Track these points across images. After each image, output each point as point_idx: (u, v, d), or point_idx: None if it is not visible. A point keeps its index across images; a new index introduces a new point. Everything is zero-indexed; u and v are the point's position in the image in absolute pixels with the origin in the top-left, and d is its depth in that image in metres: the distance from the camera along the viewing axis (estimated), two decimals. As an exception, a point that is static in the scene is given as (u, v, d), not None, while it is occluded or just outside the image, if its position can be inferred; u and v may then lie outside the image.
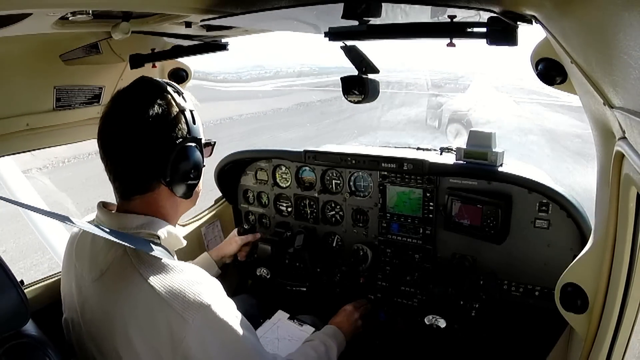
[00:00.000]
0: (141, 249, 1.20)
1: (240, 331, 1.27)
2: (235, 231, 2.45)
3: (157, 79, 1.37)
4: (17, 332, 1.17)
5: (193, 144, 1.32)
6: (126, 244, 1.17)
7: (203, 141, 1.39)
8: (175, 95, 1.32)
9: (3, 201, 1.25)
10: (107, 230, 1.19)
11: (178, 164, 1.28)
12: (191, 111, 1.34)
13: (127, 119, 1.27)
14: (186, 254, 2.17)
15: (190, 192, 1.36)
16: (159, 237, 1.31)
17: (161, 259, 1.23)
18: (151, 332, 1.17)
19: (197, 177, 1.35)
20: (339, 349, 1.76)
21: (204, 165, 1.39)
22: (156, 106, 1.27)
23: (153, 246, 1.24)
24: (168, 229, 1.35)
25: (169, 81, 1.38)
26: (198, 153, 1.34)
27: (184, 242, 1.43)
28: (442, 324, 1.95)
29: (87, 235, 1.37)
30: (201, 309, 1.18)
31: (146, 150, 1.26)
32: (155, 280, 1.19)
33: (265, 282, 2.50)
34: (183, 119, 1.30)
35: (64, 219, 1.15)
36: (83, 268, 1.33)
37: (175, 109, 1.30)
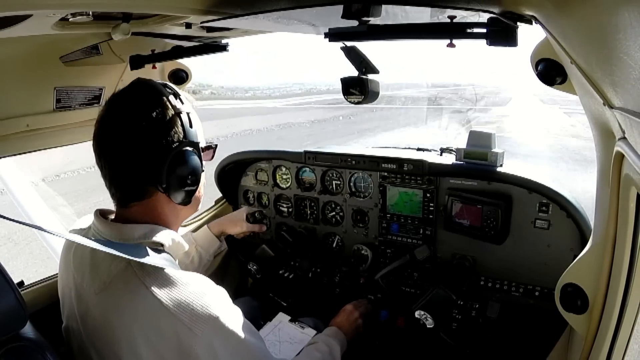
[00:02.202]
0: (146, 262, 1.17)
1: (250, 339, 1.26)
2: (244, 212, 2.35)
3: (154, 80, 1.34)
4: (15, 334, 1.16)
5: (190, 149, 1.28)
6: (131, 257, 1.15)
7: (202, 145, 1.35)
8: (172, 98, 1.28)
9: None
10: (109, 242, 1.17)
11: (174, 170, 1.24)
12: (188, 114, 1.29)
13: (121, 123, 1.24)
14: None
15: (188, 199, 1.32)
16: (162, 245, 1.29)
17: (166, 269, 1.21)
18: (159, 345, 1.16)
19: (195, 182, 1.30)
20: (341, 349, 1.76)
21: (203, 170, 1.35)
22: (151, 109, 1.23)
23: (157, 255, 1.22)
24: (172, 236, 1.32)
25: (166, 82, 1.35)
26: (195, 158, 1.29)
27: (187, 246, 1.41)
28: (429, 323, 1.95)
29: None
30: (209, 320, 1.17)
31: (140, 155, 1.22)
32: (162, 293, 1.17)
33: (254, 278, 2.52)
34: (179, 122, 1.26)
35: (67, 235, 1.13)
36: (83, 279, 1.29)
37: (171, 112, 1.25)
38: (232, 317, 1.24)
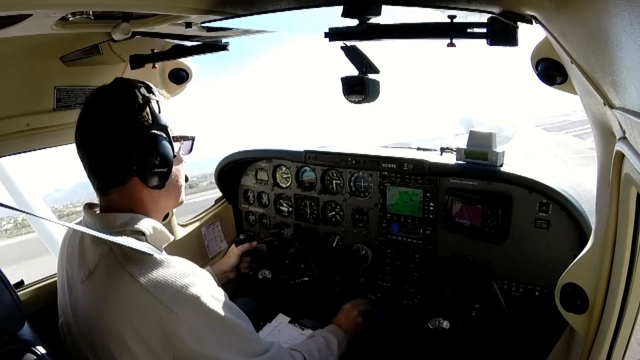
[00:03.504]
0: (127, 245, 1.20)
1: (233, 319, 1.28)
2: (232, 245, 2.48)
3: (131, 79, 1.38)
4: (13, 336, 1.16)
5: (158, 132, 1.31)
6: (113, 239, 1.17)
7: (176, 133, 1.39)
8: (142, 89, 1.33)
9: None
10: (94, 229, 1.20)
11: (142, 152, 1.28)
12: (157, 102, 1.34)
13: (94, 113, 1.30)
14: (186, 254, 2.16)
15: (162, 182, 1.35)
16: (144, 234, 1.32)
17: (148, 254, 1.23)
18: (142, 328, 1.17)
19: (165, 165, 1.33)
20: (339, 344, 1.77)
21: (175, 155, 1.38)
22: (121, 99, 1.30)
23: (139, 242, 1.25)
24: (153, 225, 1.35)
25: (142, 80, 1.39)
26: (164, 141, 1.32)
27: (171, 237, 1.43)
28: (446, 325, 1.94)
29: (76, 238, 1.38)
30: (190, 300, 1.19)
31: (112, 141, 1.27)
32: (143, 276, 1.19)
33: (269, 282, 2.51)
34: (147, 108, 1.31)
35: (56, 221, 1.15)
36: (73, 269, 1.34)
37: (140, 100, 1.31)
38: (214, 297, 1.25)
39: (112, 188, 1.33)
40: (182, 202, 1.50)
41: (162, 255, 1.27)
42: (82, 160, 1.33)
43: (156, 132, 1.31)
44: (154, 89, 1.37)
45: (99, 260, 1.25)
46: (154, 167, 1.31)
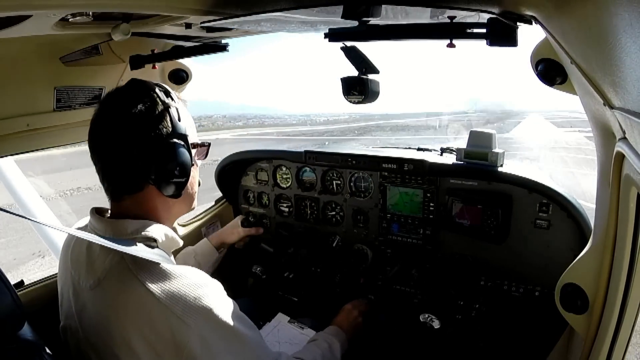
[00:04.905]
0: (139, 255, 1.18)
1: (244, 331, 1.27)
2: (238, 220, 2.44)
3: (147, 80, 1.36)
4: (13, 336, 1.16)
5: (178, 141, 1.29)
6: (124, 249, 1.16)
7: (192, 140, 1.37)
8: (161, 94, 1.30)
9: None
10: (103, 237, 1.18)
11: (161, 161, 1.26)
12: (177, 109, 1.32)
13: (111, 117, 1.27)
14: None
15: (178, 192, 1.33)
16: (155, 240, 1.30)
17: (159, 263, 1.22)
18: (153, 338, 1.16)
19: (183, 175, 1.31)
20: (341, 346, 1.78)
21: (192, 164, 1.36)
22: (140, 104, 1.26)
23: (151, 251, 1.23)
24: (165, 232, 1.33)
25: (158, 82, 1.37)
26: (183, 150, 1.30)
27: (181, 243, 1.42)
28: (436, 324, 1.94)
29: (83, 242, 1.35)
30: (202, 312, 1.18)
31: (129, 147, 1.24)
32: (155, 286, 1.18)
33: (259, 280, 2.52)
34: (167, 116, 1.28)
35: (61, 228, 1.14)
36: (80, 275, 1.31)
37: (160, 107, 1.28)
38: (226, 309, 1.24)
39: (126, 194, 1.31)
40: (194, 208, 1.49)
41: (173, 265, 1.25)
42: (95, 164, 1.31)
43: (176, 141, 1.29)
44: (172, 93, 1.35)
45: (109, 269, 1.23)
46: (173, 177, 1.29)
